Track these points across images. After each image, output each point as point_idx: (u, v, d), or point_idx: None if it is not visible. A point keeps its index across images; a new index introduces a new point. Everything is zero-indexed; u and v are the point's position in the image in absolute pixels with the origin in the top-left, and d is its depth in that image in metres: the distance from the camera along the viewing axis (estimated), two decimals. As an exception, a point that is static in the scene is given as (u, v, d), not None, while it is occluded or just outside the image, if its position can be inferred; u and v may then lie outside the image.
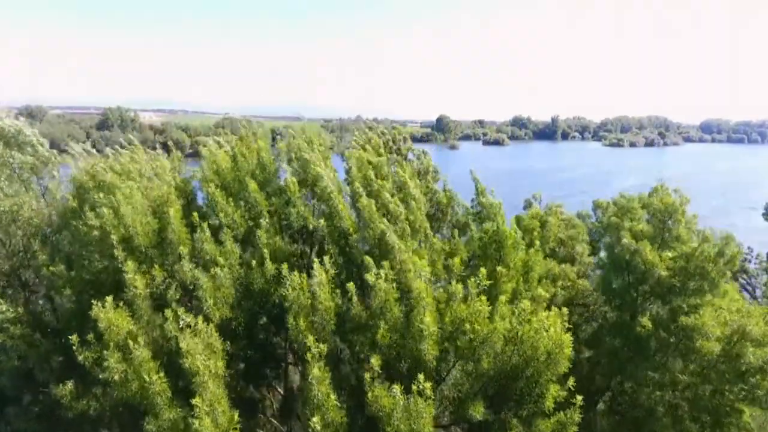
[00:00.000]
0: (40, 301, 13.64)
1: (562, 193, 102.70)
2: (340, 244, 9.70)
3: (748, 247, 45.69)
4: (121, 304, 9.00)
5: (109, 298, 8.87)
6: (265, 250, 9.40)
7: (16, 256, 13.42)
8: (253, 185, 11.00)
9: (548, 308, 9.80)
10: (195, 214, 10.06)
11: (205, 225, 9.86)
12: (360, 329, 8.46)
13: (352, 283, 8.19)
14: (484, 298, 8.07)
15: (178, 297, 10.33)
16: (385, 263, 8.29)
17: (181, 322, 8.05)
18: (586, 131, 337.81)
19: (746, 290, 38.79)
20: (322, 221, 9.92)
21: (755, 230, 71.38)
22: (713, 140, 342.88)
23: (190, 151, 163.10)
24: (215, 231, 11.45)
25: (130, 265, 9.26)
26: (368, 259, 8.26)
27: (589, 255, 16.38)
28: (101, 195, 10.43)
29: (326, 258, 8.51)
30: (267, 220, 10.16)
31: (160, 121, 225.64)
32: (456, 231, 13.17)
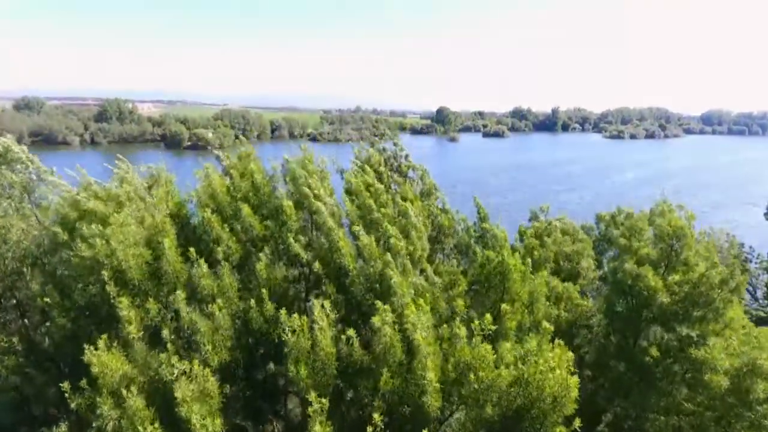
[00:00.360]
0: (35, 323, 13.39)
1: (561, 188, 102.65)
2: (340, 279, 9.46)
3: (750, 247, 45.48)
4: (115, 343, 8.76)
5: (103, 338, 8.62)
6: (264, 290, 9.14)
7: (8, 277, 13.14)
8: (246, 210, 10.72)
9: (552, 340, 9.59)
10: (192, 250, 9.76)
11: (202, 261, 9.58)
12: (362, 373, 8.25)
13: (353, 330, 7.95)
14: (489, 346, 7.83)
15: (173, 330, 10.13)
16: (387, 307, 8.05)
17: (175, 371, 7.81)
18: (586, 123, 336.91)
19: (747, 290, 38.63)
20: (317, 264, 9.64)
21: (755, 227, 71.32)
22: (714, 132, 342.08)
23: (189, 143, 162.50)
24: (210, 253, 11.23)
25: (124, 302, 9.00)
26: (379, 304, 8.00)
27: (594, 270, 16.16)
28: (92, 225, 10.13)
29: (327, 302, 8.25)
30: (266, 253, 9.88)
31: (159, 113, 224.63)
32: (457, 260, 12.94)
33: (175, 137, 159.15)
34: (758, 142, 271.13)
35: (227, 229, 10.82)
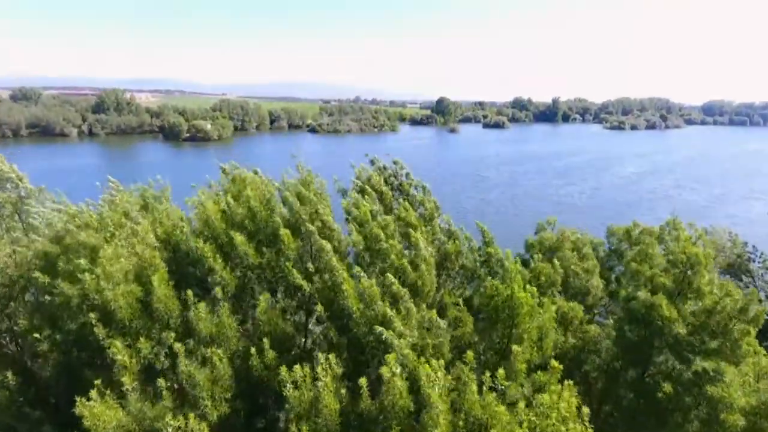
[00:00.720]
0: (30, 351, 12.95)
1: (561, 182, 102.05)
2: (342, 321, 9.05)
3: (753, 246, 45.05)
4: (108, 390, 8.37)
5: (96, 385, 8.24)
6: (266, 339, 8.71)
7: (-1, 302, 12.70)
8: (239, 239, 10.28)
9: (561, 381, 9.22)
10: (189, 292, 9.34)
11: (201, 305, 9.16)
12: (369, 423, 7.85)
13: (364, 378, 7.54)
14: (502, 407, 7.43)
15: (168, 367, 9.75)
16: (392, 357, 7.64)
17: (170, 429, 7.42)
18: (587, 113, 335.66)
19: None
20: (319, 307, 9.21)
21: (757, 222, 70.93)
22: (715, 123, 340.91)
23: (187, 135, 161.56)
24: (205, 279, 10.81)
25: (118, 347, 8.60)
26: (389, 357, 7.58)
27: (602, 288, 15.73)
28: (80, 259, 9.69)
29: (331, 356, 7.83)
30: (264, 286, 9.45)
31: (157, 104, 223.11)
32: (463, 285, 12.52)
33: (174, 129, 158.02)
34: (759, 133, 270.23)
35: (222, 260, 10.39)
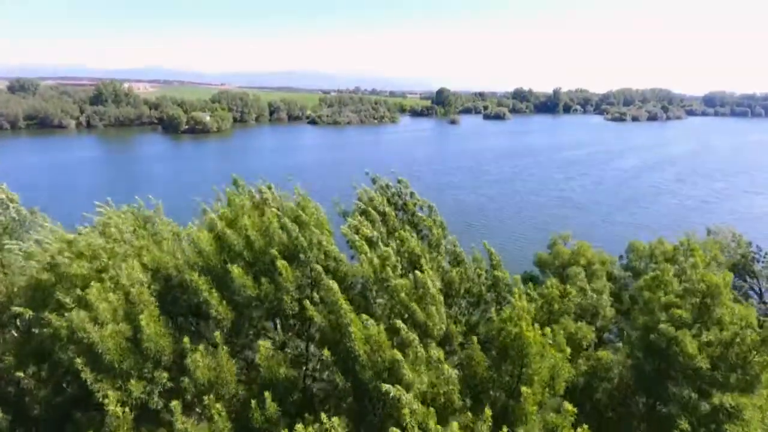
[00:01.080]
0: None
1: (562, 176, 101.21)
2: (347, 365, 8.54)
3: (756, 246, 44.39)
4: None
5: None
6: (267, 394, 8.19)
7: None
8: (237, 271, 9.74)
9: (575, 427, 8.75)
10: (186, 339, 8.85)
11: (198, 353, 8.66)
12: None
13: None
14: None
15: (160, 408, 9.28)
16: (406, 412, 7.14)
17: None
18: (588, 104, 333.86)
19: (753, 292, 37.81)
20: (326, 352, 8.69)
21: (759, 218, 70.35)
22: (716, 114, 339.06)
23: (186, 127, 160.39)
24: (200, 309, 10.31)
25: (111, 398, 8.10)
26: (406, 413, 7.07)
27: (611, 307, 15.21)
28: (67, 300, 9.16)
29: (336, 419, 7.32)
30: (268, 345, 8.93)
31: (155, 94, 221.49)
32: (468, 310, 11.99)
33: (173, 121, 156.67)
34: (761, 124, 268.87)
35: (218, 293, 9.87)
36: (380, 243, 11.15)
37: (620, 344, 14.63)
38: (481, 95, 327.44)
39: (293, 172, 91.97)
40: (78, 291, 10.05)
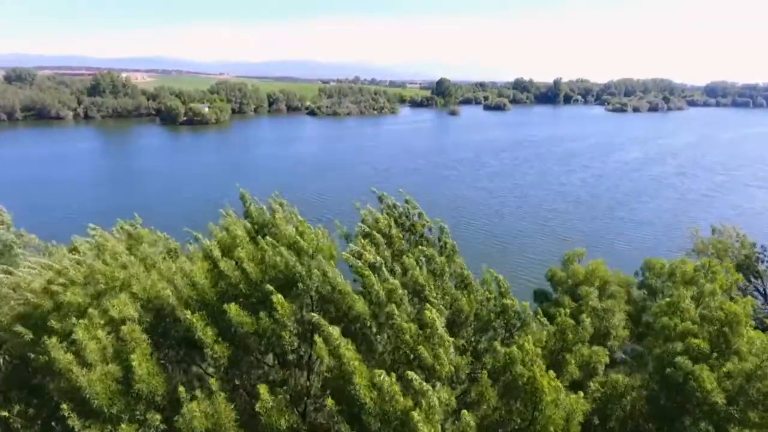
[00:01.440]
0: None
1: (563, 169, 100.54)
2: (353, 414, 8.00)
3: (761, 246, 43.89)
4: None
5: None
6: None
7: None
8: (234, 309, 9.17)
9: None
10: (181, 389, 8.30)
11: (194, 404, 8.11)
12: None
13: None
14: None
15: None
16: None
17: None
18: (588, 94, 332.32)
19: (758, 293, 37.33)
20: (330, 402, 8.14)
21: (762, 213, 69.85)
22: (718, 104, 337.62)
23: (185, 118, 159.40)
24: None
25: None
26: None
27: (625, 327, 14.62)
28: (53, 342, 8.58)
29: None
30: (267, 397, 8.35)
31: (153, 84, 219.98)
32: (476, 339, 11.43)
33: (171, 112, 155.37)
34: (762, 115, 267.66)
35: (213, 329, 9.29)
36: (384, 269, 10.57)
37: (633, 360, 14.12)
38: (482, 85, 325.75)
39: (293, 166, 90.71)
40: (73, 320, 9.55)
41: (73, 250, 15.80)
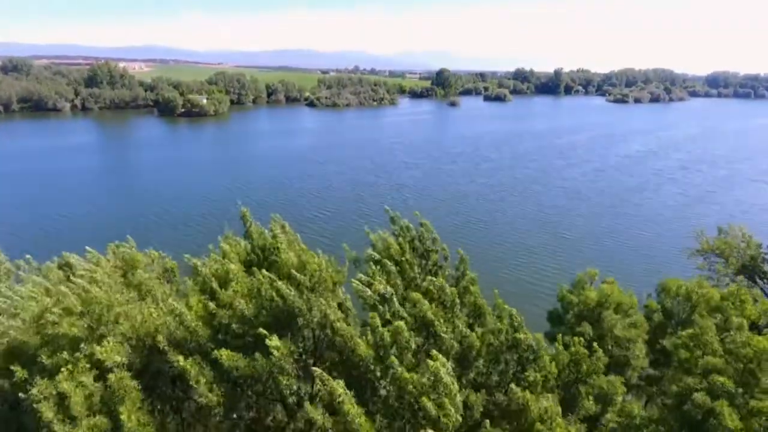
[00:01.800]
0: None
1: (564, 163, 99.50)
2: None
3: (767, 246, 43.16)
4: None
5: None
6: None
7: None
8: (226, 354, 8.59)
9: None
10: None
11: None
12: None
13: None
14: None
15: None
16: None
17: None
18: (589, 85, 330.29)
19: (765, 293, 36.76)
20: None
21: (765, 209, 69.11)
22: (719, 95, 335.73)
23: (183, 110, 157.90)
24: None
25: None
26: None
27: (644, 356, 14.04)
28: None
29: None
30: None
31: (151, 74, 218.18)
32: (487, 368, 10.87)
33: (169, 103, 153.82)
34: (764, 106, 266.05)
35: (206, 374, 8.72)
36: (394, 299, 9.98)
37: (648, 385, 13.57)
38: (482, 76, 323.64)
39: (292, 161, 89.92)
40: (65, 354, 8.97)
41: (66, 265, 15.17)
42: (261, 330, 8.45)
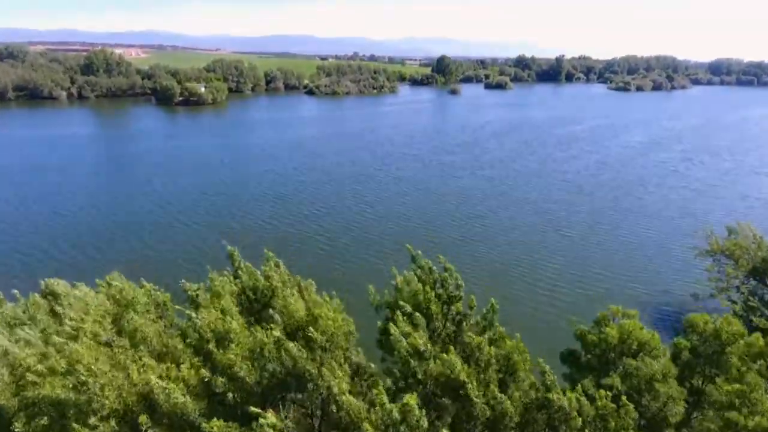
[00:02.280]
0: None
1: (565, 154, 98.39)
2: None
3: (774, 251, 42.14)
4: None
5: None
6: None
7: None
8: (217, 426, 7.95)
9: None
10: None
11: None
12: None
13: None
14: None
15: None
16: None
17: None
18: (591, 72, 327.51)
19: (770, 296, 36.13)
20: None
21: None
22: (722, 82, 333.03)
23: (180, 98, 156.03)
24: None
25: None
26: None
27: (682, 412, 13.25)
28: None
29: None
30: None
31: (148, 61, 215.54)
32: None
33: (166, 92, 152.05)
34: (767, 95, 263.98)
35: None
36: (427, 353, 9.32)
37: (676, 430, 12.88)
38: (482, 63, 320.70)
39: (291, 153, 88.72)
40: (44, 420, 8.35)
41: (50, 294, 14.46)
42: (252, 408, 7.79)
